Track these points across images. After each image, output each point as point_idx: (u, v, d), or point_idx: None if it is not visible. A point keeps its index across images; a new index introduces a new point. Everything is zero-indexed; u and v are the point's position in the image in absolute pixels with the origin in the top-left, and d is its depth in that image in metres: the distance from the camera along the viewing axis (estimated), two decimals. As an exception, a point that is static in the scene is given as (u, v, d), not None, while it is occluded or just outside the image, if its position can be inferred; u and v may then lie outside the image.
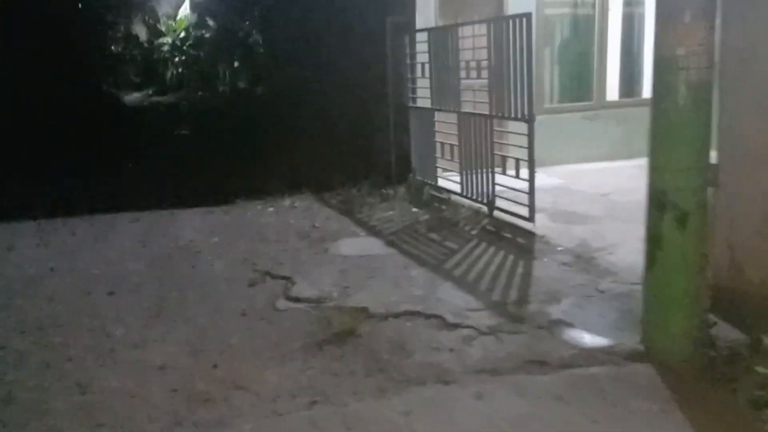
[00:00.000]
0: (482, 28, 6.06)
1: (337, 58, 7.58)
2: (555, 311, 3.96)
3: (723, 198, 3.44)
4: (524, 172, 5.66)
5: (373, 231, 5.98)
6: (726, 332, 3.47)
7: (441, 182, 7.13)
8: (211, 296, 4.58)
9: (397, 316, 4.05)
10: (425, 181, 7.32)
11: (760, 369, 3.00)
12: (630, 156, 8.50)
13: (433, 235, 5.74)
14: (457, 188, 6.73)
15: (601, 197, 6.70)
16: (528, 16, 5.28)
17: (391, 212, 6.61)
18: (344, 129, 7.70)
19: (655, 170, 3.24)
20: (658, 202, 3.21)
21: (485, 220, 6.07)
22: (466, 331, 3.77)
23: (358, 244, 5.59)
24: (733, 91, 3.49)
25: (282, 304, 4.39)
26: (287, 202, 7.22)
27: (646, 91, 8.74)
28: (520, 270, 4.75)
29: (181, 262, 5.32)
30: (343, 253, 5.37)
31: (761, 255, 3.43)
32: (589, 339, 3.58)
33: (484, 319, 3.92)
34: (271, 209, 7.02)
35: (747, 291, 3.45)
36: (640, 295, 4.11)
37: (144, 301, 4.46)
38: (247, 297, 4.54)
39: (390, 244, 5.56)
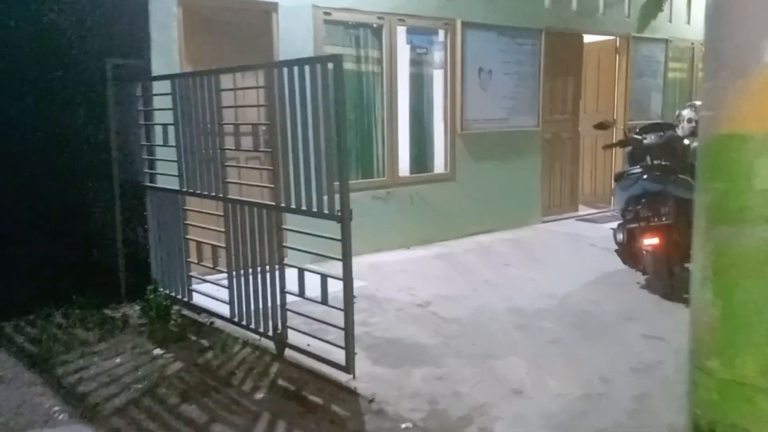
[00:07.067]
0: (257, 78, 4.08)
1: (31, 116, 4.97)
2: None
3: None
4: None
5: (83, 406, 3.47)
6: None
7: (197, 298, 4.86)
8: None
9: None
10: (174, 296, 4.98)
11: None
12: (426, 241, 7.15)
13: (193, 408, 3.43)
14: (225, 308, 4.54)
15: (422, 310, 4.99)
16: (338, 58, 3.41)
17: (118, 358, 4.13)
18: (42, 219, 5.04)
19: None
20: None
21: (274, 368, 3.93)
22: None
23: (52, 448, 3.07)
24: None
25: None
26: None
27: (438, 165, 7.50)
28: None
29: None
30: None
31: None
32: None
33: None
34: None
35: None
36: None
37: None
38: None
39: (114, 439, 3.14)
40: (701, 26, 9.21)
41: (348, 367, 3.59)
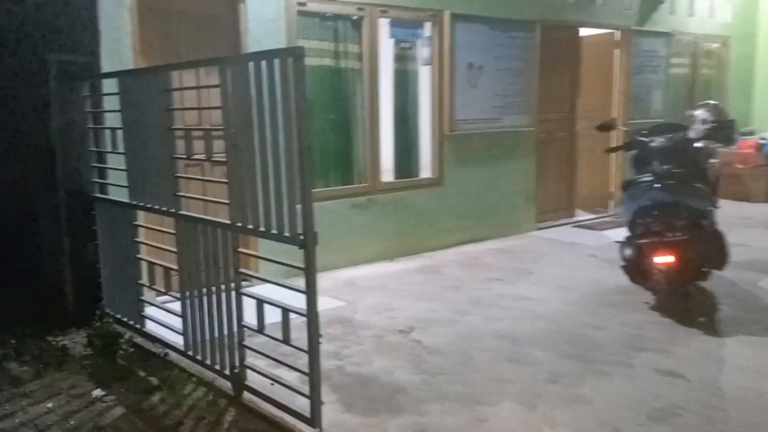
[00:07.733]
0: (213, 75, 3.52)
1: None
2: None
3: None
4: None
5: (-6, 473, 2.91)
6: None
7: (151, 325, 4.29)
8: None
9: None
10: (125, 321, 4.41)
11: None
12: (411, 252, 6.60)
13: (126, 473, 2.87)
14: (180, 338, 3.96)
15: (403, 337, 4.43)
16: (298, 51, 2.84)
17: (50, 402, 3.55)
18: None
19: None
20: None
21: (229, 415, 3.36)
22: None
23: None
24: None
25: None
26: None
27: (424, 169, 6.94)
28: None
29: None
30: None
31: None
32: None
33: None
34: None
35: None
36: None
37: None
38: None
39: None
40: (705, 19, 8.58)
41: (313, 421, 3.03)
